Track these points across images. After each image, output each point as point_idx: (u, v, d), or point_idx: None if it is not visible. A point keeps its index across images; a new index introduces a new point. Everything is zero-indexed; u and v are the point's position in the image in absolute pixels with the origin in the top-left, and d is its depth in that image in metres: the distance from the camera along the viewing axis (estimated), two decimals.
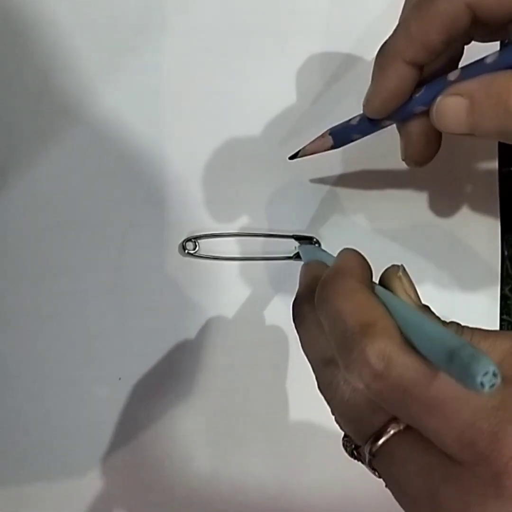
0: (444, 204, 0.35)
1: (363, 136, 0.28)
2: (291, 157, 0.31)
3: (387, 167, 0.34)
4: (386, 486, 0.21)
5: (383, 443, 0.19)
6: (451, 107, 0.22)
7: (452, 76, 0.23)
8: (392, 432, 0.19)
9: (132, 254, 0.32)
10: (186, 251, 0.32)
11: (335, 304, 0.19)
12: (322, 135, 0.29)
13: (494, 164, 0.35)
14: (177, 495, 0.34)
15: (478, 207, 0.35)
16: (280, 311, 0.34)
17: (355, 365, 0.18)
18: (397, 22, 0.24)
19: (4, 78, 0.30)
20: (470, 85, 0.22)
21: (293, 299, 0.24)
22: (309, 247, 0.33)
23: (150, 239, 0.32)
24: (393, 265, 0.22)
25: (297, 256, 0.33)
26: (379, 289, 0.21)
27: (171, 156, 0.32)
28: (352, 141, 0.29)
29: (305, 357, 0.33)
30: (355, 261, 0.22)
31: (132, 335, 0.33)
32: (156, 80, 0.32)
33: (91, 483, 0.33)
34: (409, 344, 0.18)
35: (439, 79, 0.24)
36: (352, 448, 0.22)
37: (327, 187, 0.34)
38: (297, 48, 0.33)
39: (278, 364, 0.34)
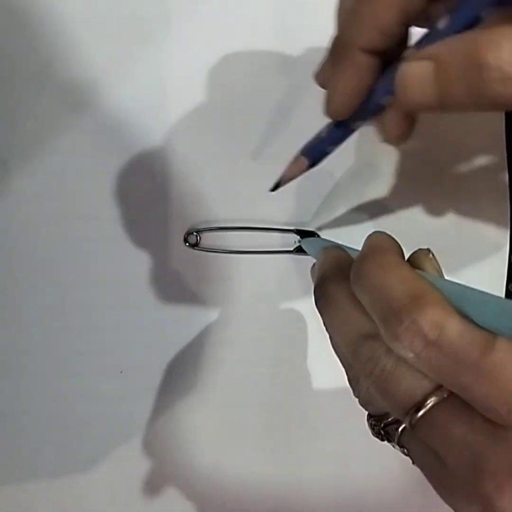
0: (449, 198, 0.35)
1: (337, 146, 0.26)
2: (273, 189, 0.28)
3: (389, 161, 0.34)
4: (413, 463, 0.21)
5: (426, 411, 0.19)
6: (416, 74, 0.19)
7: (409, 54, 0.20)
8: (435, 400, 0.19)
9: (136, 248, 0.32)
10: (187, 244, 0.32)
11: (379, 279, 0.20)
12: (295, 159, 0.27)
13: (503, 162, 0.35)
14: (178, 489, 0.34)
15: (486, 202, 0.35)
16: (282, 306, 0.34)
17: (407, 335, 0.18)
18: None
19: (8, 70, 0.30)
20: (435, 47, 0.19)
21: (314, 284, 0.25)
22: (312, 239, 0.33)
23: (154, 233, 0.32)
24: (420, 249, 0.22)
25: (297, 250, 0.33)
26: (420, 271, 0.21)
27: (175, 151, 0.32)
28: (328, 153, 0.26)
29: (307, 352, 0.34)
30: (390, 239, 0.22)
31: (135, 329, 0.33)
32: (161, 74, 0.32)
33: (93, 476, 0.33)
34: (460, 314, 0.18)
35: (397, 62, 0.20)
36: (381, 427, 0.22)
37: (326, 182, 0.34)
38: (302, 42, 0.33)
39: (282, 358, 0.34)
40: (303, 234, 0.33)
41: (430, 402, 0.19)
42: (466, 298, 0.18)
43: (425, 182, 0.34)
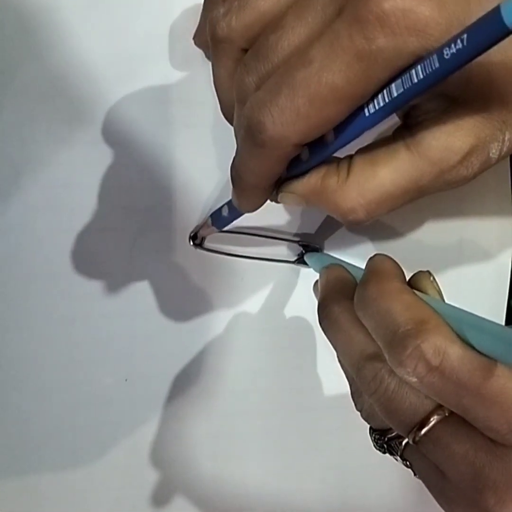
0: (452, 215, 0.35)
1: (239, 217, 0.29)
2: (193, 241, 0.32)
3: None
4: (415, 475, 0.22)
5: (428, 429, 0.20)
6: (292, 200, 0.24)
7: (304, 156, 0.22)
8: (437, 418, 0.20)
9: (142, 259, 0.33)
10: (192, 243, 0.33)
11: (383, 304, 0.20)
12: (205, 221, 0.31)
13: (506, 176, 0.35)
14: (180, 497, 0.34)
15: (489, 216, 0.35)
16: (286, 315, 0.34)
17: (410, 361, 0.19)
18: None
19: (19, 84, 0.31)
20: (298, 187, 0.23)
21: (318, 305, 0.26)
22: (316, 254, 0.33)
23: (159, 244, 0.33)
24: (420, 271, 0.23)
25: (299, 262, 0.33)
26: (418, 292, 0.22)
27: (181, 163, 0.33)
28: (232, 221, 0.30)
29: (313, 363, 0.34)
30: (392, 264, 0.23)
31: (140, 338, 0.33)
32: (167, 88, 0.32)
33: (97, 483, 0.34)
34: (462, 340, 0.19)
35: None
36: (384, 441, 0.23)
37: None
38: None
39: (284, 369, 0.35)
40: (307, 248, 0.33)
41: (433, 420, 0.20)
42: (466, 324, 0.19)
43: (428, 199, 0.35)
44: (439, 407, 0.20)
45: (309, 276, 0.34)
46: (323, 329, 0.25)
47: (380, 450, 0.24)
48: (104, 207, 0.32)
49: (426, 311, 0.20)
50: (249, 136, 0.20)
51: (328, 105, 0.18)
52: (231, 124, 0.24)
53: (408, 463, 0.22)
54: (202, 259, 0.33)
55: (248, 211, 0.26)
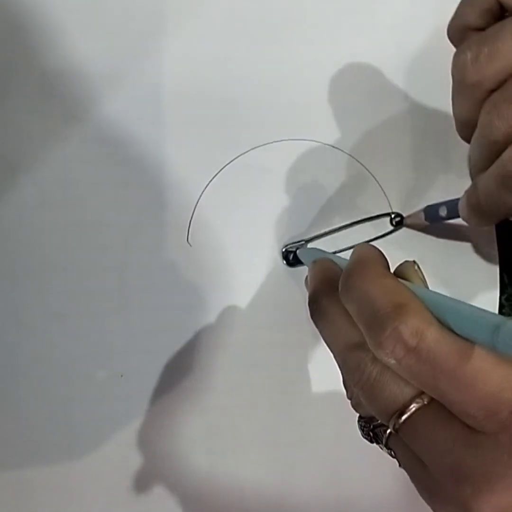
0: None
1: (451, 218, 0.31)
2: (397, 224, 0.34)
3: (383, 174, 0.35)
4: (400, 465, 0.22)
5: (408, 417, 0.20)
6: None
7: None
8: (416, 406, 0.20)
9: (136, 254, 0.33)
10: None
11: (364, 289, 0.21)
12: (417, 211, 0.33)
13: None
14: (175, 492, 0.35)
15: None
16: (279, 311, 0.35)
17: (389, 342, 0.19)
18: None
19: (14, 82, 0.31)
20: None
21: (308, 299, 0.26)
22: (307, 249, 0.34)
23: (154, 240, 0.33)
24: (406, 260, 0.23)
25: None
26: (403, 281, 0.22)
27: (174, 160, 0.33)
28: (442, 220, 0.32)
29: (305, 357, 0.34)
30: (375, 252, 0.23)
31: (135, 333, 0.34)
32: (161, 85, 0.33)
33: (90, 478, 0.34)
34: (441, 323, 0.19)
35: None
36: (370, 429, 0.23)
37: (319, 195, 0.35)
38: (303, 53, 0.34)
39: (277, 364, 0.35)
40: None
41: (413, 407, 0.20)
42: (445, 307, 0.19)
43: (419, 193, 0.35)
44: (419, 395, 0.20)
45: (302, 271, 0.34)
46: (314, 323, 0.25)
47: (367, 439, 0.24)
48: (98, 203, 0.33)
49: (406, 294, 0.20)
50: (507, 183, 0.23)
51: None
52: (466, 141, 0.27)
53: (393, 452, 0.22)
54: (196, 254, 0.34)
55: (478, 226, 0.28)
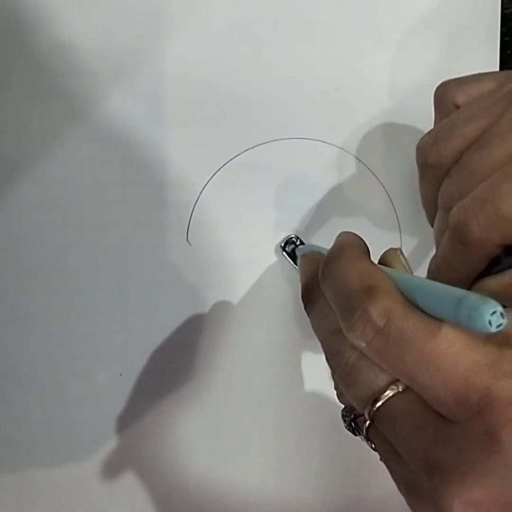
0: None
1: None
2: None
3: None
4: (380, 459, 0.21)
5: (382, 404, 0.19)
6: None
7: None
8: (391, 393, 0.19)
9: (136, 253, 0.33)
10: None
11: (339, 274, 0.21)
12: None
13: None
14: (175, 491, 0.35)
15: None
16: (279, 311, 0.35)
17: (359, 324, 0.19)
18: None
19: (13, 81, 0.31)
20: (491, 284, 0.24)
21: (301, 292, 0.26)
22: (304, 246, 0.34)
23: (153, 239, 0.33)
24: (390, 248, 0.23)
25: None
26: (380, 265, 0.22)
27: (173, 159, 0.33)
28: None
29: (306, 356, 0.34)
30: (354, 238, 0.23)
31: (135, 333, 0.34)
32: (161, 84, 0.33)
33: (91, 476, 0.34)
34: (411, 304, 0.19)
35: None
36: (351, 418, 0.23)
37: (316, 194, 0.35)
38: (302, 52, 0.34)
39: (277, 362, 0.35)
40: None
41: (387, 395, 0.19)
42: (417, 288, 0.19)
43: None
44: (394, 382, 0.19)
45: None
46: (307, 314, 0.25)
47: (349, 430, 0.24)
48: (98, 203, 0.33)
49: (377, 277, 0.20)
50: (455, 236, 0.23)
51: None
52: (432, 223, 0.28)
53: (373, 444, 0.22)
54: (195, 253, 0.34)
55: None
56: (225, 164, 0.34)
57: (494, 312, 0.15)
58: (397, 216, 0.35)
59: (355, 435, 0.24)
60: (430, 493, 0.18)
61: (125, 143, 0.33)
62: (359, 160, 0.35)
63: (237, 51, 0.34)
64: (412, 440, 0.18)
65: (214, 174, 0.34)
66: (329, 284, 0.21)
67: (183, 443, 0.34)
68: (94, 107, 0.32)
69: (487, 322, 0.15)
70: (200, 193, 0.34)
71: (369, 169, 0.35)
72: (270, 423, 0.35)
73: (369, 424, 0.21)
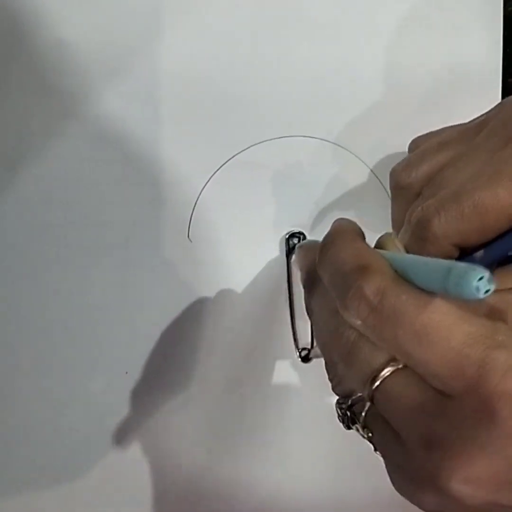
0: None
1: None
2: None
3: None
4: (375, 450, 0.21)
5: (381, 382, 0.19)
6: None
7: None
8: (390, 369, 0.19)
9: (137, 251, 0.34)
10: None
11: (334, 256, 0.21)
12: None
13: None
14: (176, 488, 0.35)
15: None
16: (277, 307, 0.35)
17: (353, 302, 0.19)
18: None
19: (12, 80, 0.32)
20: None
21: (302, 282, 0.26)
22: (305, 242, 0.34)
23: (154, 237, 0.34)
24: (386, 232, 0.24)
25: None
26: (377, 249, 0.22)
27: (174, 157, 0.34)
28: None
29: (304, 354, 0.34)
30: (348, 222, 0.24)
31: (139, 331, 0.34)
32: (160, 82, 0.33)
33: (97, 471, 0.34)
34: (404, 280, 0.19)
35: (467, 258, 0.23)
36: (348, 405, 0.23)
37: (319, 191, 0.35)
38: (302, 50, 0.34)
39: (275, 357, 0.35)
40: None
41: (386, 372, 0.19)
42: (409, 264, 0.19)
43: None
44: (393, 359, 0.19)
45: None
46: (308, 305, 0.25)
47: (344, 423, 0.24)
48: (98, 201, 0.33)
49: (371, 257, 0.20)
50: (416, 232, 0.23)
51: (490, 213, 0.20)
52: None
53: (370, 434, 0.21)
54: (196, 251, 0.34)
55: None
56: (225, 162, 0.34)
57: (481, 278, 0.16)
58: None
59: (349, 427, 0.24)
60: (429, 471, 0.18)
61: (126, 142, 0.33)
62: (358, 158, 0.35)
63: (236, 49, 0.34)
64: (411, 416, 0.18)
65: (215, 172, 0.34)
66: (326, 268, 0.22)
67: (186, 440, 0.35)
68: (94, 106, 0.32)
69: (474, 289, 0.16)
70: (201, 191, 0.34)
71: (367, 166, 0.35)
72: (272, 422, 0.35)
73: (369, 406, 0.21)
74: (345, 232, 0.22)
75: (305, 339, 0.35)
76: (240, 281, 0.35)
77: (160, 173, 0.33)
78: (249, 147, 0.34)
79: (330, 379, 0.25)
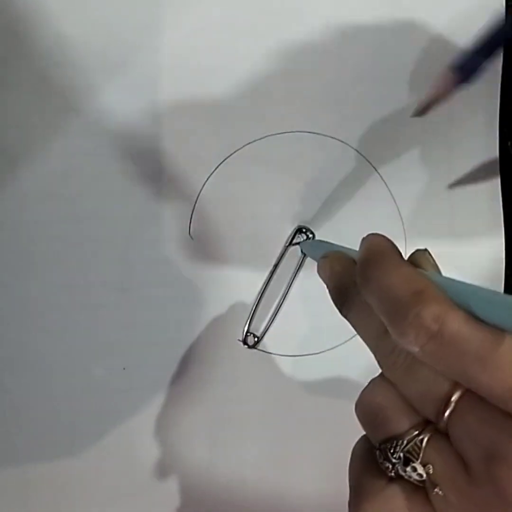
0: (446, 199, 0.35)
1: (487, 59, 0.26)
2: (416, 114, 0.29)
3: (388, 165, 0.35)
4: (433, 490, 0.20)
5: (452, 409, 0.19)
6: None
7: None
8: (458, 394, 0.19)
9: (138, 247, 0.33)
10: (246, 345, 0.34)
11: (382, 279, 0.21)
12: (441, 75, 0.28)
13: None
14: (177, 483, 0.35)
15: (480, 204, 0.36)
16: (283, 306, 0.35)
17: (411, 329, 0.19)
18: None
19: (14, 75, 0.31)
20: None
21: (331, 296, 0.25)
22: (310, 241, 0.34)
23: (155, 233, 0.33)
24: (418, 249, 0.23)
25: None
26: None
27: (175, 153, 0.33)
28: (478, 66, 0.27)
29: (307, 350, 0.34)
30: (386, 241, 0.23)
31: (138, 327, 0.34)
32: (162, 77, 0.33)
33: (92, 469, 0.34)
34: (460, 307, 0.19)
35: None
36: (403, 448, 0.21)
37: (326, 186, 0.35)
38: (304, 45, 0.34)
39: (280, 357, 0.35)
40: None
41: (456, 397, 0.19)
42: (463, 292, 0.19)
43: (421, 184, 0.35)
44: (456, 383, 0.19)
45: (303, 266, 0.35)
46: (344, 317, 0.25)
47: (393, 470, 0.21)
48: (99, 197, 0.33)
49: (424, 281, 0.20)
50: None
51: None
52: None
53: (430, 469, 0.20)
54: (198, 247, 0.34)
55: None
56: (227, 157, 0.34)
57: None
58: (397, 209, 0.35)
59: (398, 475, 0.21)
60: (496, 489, 0.18)
61: (127, 137, 0.33)
62: (360, 154, 0.35)
63: (238, 43, 0.34)
64: (481, 440, 0.18)
65: (216, 168, 0.34)
66: (372, 290, 0.21)
67: (186, 435, 0.35)
68: (95, 101, 0.32)
69: None
70: (202, 187, 0.34)
71: (370, 163, 0.35)
72: (272, 416, 0.35)
73: (429, 437, 0.20)
74: (387, 254, 0.22)
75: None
76: (242, 276, 0.34)
77: (162, 168, 0.33)
78: (250, 143, 0.34)
79: (365, 427, 0.23)
